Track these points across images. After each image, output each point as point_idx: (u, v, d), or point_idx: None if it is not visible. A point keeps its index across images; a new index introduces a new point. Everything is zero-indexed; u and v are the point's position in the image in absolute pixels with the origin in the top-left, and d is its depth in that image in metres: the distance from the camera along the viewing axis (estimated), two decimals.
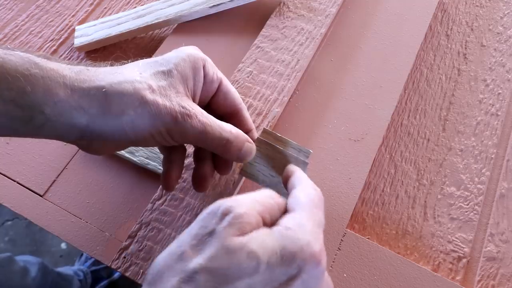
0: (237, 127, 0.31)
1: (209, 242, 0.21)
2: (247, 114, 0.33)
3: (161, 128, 0.28)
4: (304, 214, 0.24)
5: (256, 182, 0.32)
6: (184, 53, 0.30)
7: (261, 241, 0.21)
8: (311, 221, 0.23)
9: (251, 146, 0.31)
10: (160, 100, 0.28)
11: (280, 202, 0.25)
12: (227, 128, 0.30)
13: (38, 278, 0.72)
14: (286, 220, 0.23)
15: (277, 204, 0.25)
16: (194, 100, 0.31)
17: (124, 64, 0.30)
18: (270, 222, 0.24)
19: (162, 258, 0.22)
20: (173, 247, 0.22)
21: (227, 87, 0.32)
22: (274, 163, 0.32)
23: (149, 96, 0.27)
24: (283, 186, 0.30)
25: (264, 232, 0.22)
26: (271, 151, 0.32)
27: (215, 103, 0.32)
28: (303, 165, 0.31)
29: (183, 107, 0.28)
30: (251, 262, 0.20)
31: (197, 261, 0.21)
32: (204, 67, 0.31)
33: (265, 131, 0.33)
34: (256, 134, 0.33)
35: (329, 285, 0.24)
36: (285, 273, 0.21)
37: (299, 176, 0.28)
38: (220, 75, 0.32)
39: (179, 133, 0.28)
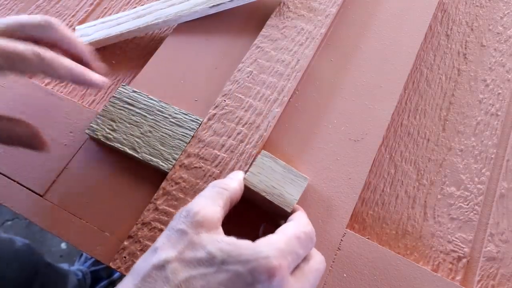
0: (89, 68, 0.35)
1: (179, 238, 0.25)
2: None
3: None
4: (280, 237, 0.26)
5: (257, 191, 0.32)
6: None
7: (220, 246, 0.25)
8: (283, 244, 0.25)
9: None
10: None
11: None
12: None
13: (24, 249, 0.71)
14: (261, 239, 0.25)
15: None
16: None
17: None
18: None
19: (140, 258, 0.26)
20: (149, 248, 0.26)
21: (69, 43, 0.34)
22: (275, 175, 0.33)
23: None
24: (283, 198, 0.32)
25: (228, 239, 0.25)
26: (274, 164, 0.33)
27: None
28: (303, 180, 0.33)
29: None
30: (208, 257, 0.24)
31: (169, 253, 0.24)
32: None
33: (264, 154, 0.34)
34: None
35: None
36: (240, 278, 0.23)
37: (298, 214, 0.30)
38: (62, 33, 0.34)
39: None
